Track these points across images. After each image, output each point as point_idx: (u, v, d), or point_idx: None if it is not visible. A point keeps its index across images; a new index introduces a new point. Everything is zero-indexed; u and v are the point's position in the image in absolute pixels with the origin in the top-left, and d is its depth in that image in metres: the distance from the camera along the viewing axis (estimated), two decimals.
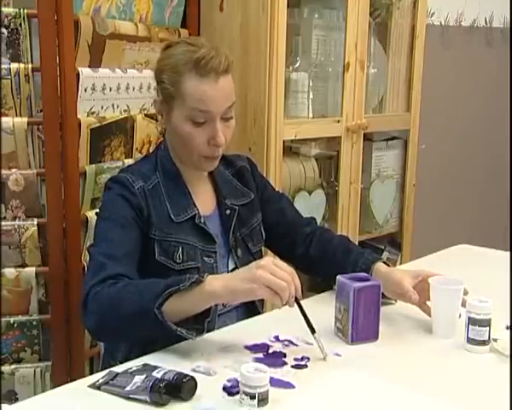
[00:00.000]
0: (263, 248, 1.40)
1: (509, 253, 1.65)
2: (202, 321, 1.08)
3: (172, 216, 1.23)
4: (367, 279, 1.17)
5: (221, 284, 1.05)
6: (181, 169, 1.28)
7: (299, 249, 1.40)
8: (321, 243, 1.38)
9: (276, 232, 1.42)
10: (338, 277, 1.19)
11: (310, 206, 2.04)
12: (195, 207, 1.26)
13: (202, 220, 1.26)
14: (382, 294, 1.19)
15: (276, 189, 1.56)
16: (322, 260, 1.37)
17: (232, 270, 1.29)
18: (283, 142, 1.89)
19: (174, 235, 1.22)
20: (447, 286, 1.18)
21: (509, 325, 1.19)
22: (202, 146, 1.22)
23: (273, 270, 1.03)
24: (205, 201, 1.30)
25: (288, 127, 1.90)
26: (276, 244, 1.45)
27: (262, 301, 1.39)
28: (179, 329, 1.04)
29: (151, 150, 1.51)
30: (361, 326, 1.14)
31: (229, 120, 1.23)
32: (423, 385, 1.02)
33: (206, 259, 1.25)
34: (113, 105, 1.69)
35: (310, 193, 2.07)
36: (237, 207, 1.32)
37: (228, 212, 1.31)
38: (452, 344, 1.16)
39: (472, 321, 1.12)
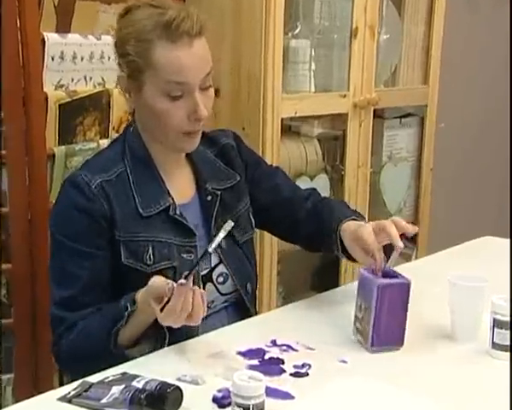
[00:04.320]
0: (253, 237, 1.40)
1: None
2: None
3: (140, 210, 1.22)
4: (395, 275, 1.16)
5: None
6: (153, 153, 1.27)
7: (301, 230, 1.40)
8: (315, 215, 1.39)
9: (274, 214, 1.42)
10: (361, 270, 1.19)
11: None
12: (170, 196, 1.25)
13: (178, 211, 1.25)
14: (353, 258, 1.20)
15: (273, 164, 1.55)
16: (315, 236, 1.38)
17: (216, 266, 1.29)
18: (281, 120, 1.88)
19: (143, 233, 1.22)
20: (469, 283, 1.19)
21: None
22: (182, 122, 1.21)
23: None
24: (182, 187, 1.30)
25: (287, 103, 1.89)
26: (277, 228, 1.46)
27: (254, 300, 1.39)
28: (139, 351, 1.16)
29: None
30: (384, 329, 1.14)
31: (207, 89, 1.22)
32: (441, 397, 1.03)
33: (184, 256, 1.25)
34: (85, 77, 1.68)
35: (312, 178, 2.06)
36: (220, 192, 1.32)
37: (209, 198, 1.31)
38: (474, 350, 1.17)
39: (497, 323, 1.13)
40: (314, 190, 1.48)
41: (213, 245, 1.11)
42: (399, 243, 1.19)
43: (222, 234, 1.11)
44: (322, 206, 1.40)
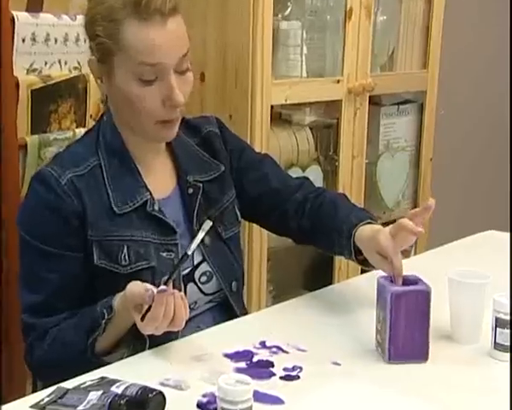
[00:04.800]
0: (239, 231, 1.40)
1: None
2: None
3: (114, 207, 1.21)
4: (415, 282, 1.15)
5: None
6: (129, 144, 1.26)
7: (291, 222, 1.40)
8: (312, 210, 1.39)
9: (262, 206, 1.42)
10: (378, 277, 1.18)
11: None
12: (147, 190, 1.24)
13: (156, 207, 1.24)
14: (369, 264, 1.21)
15: (261, 152, 1.56)
16: (312, 231, 1.38)
17: (198, 264, 1.29)
18: (271, 107, 1.88)
19: (117, 231, 1.21)
20: (470, 280, 1.19)
21: None
22: (156, 109, 1.19)
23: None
24: (161, 180, 1.29)
25: (277, 90, 1.89)
26: (265, 220, 1.46)
27: (241, 300, 1.39)
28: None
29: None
30: (402, 342, 1.12)
31: (185, 73, 1.21)
32: (439, 401, 1.03)
33: (163, 255, 1.24)
34: (59, 61, 1.67)
35: (304, 170, 2.07)
36: (202, 184, 1.31)
37: (190, 191, 1.30)
38: (476, 351, 1.18)
39: (499, 323, 1.13)
40: (306, 179, 1.48)
41: (192, 247, 1.12)
42: (418, 229, 1.18)
43: (200, 235, 1.12)
44: (320, 201, 1.39)
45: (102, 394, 0.97)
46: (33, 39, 1.59)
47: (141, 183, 1.25)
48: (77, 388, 1.02)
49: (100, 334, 1.14)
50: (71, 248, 1.20)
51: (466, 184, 3.08)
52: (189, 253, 1.13)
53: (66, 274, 1.20)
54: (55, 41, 1.64)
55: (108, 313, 1.13)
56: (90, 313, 1.16)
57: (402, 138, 2.36)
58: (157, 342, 1.17)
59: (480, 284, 1.19)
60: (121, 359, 1.15)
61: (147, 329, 1.10)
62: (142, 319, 1.09)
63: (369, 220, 1.31)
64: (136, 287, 1.11)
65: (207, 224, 1.12)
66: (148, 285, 1.10)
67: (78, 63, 1.71)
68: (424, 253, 1.84)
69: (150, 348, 1.17)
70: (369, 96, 2.13)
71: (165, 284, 1.09)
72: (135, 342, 1.17)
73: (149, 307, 1.08)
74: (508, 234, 1.80)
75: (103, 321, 1.13)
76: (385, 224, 2.46)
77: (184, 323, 1.11)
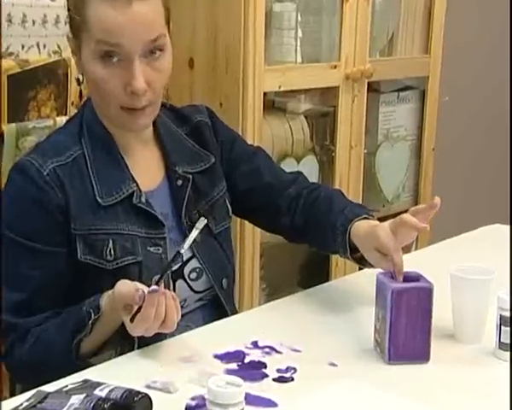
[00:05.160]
0: (230, 226, 1.40)
1: None
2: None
3: (99, 199, 1.21)
4: (416, 278, 1.15)
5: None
6: (113, 132, 1.26)
7: (284, 219, 1.40)
8: (305, 206, 1.39)
9: (254, 201, 1.42)
10: (377, 274, 1.18)
11: None
12: (133, 181, 1.24)
13: (143, 199, 1.24)
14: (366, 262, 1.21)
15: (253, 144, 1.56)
16: (306, 228, 1.38)
17: (188, 261, 1.29)
18: (264, 95, 1.88)
19: (102, 225, 1.21)
20: (473, 276, 1.19)
21: None
22: (119, 93, 1.19)
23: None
24: (148, 172, 1.29)
25: (270, 76, 1.89)
26: (257, 216, 1.46)
27: (232, 298, 1.40)
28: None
29: None
30: (402, 341, 1.12)
31: (157, 60, 1.20)
32: (443, 404, 1.04)
33: (151, 249, 1.24)
34: (38, 44, 1.66)
35: (298, 160, 2.07)
36: (191, 176, 1.32)
37: (179, 183, 1.30)
38: (480, 351, 1.18)
39: (505, 321, 1.13)
40: (300, 173, 1.48)
41: (185, 246, 1.13)
42: (422, 225, 1.19)
43: (194, 233, 1.13)
44: (315, 197, 1.39)
45: (85, 397, 0.97)
46: (9, 21, 1.59)
47: (127, 174, 1.25)
48: (58, 391, 1.01)
49: (86, 335, 1.14)
50: (54, 244, 1.20)
51: (470, 175, 3.09)
52: (182, 251, 1.13)
53: (50, 271, 1.20)
54: (33, 23, 1.64)
55: (95, 313, 1.13)
56: (75, 313, 1.16)
57: (402, 127, 2.36)
58: (146, 343, 1.17)
59: (484, 281, 1.19)
60: (109, 360, 1.15)
61: (136, 330, 1.10)
62: (132, 320, 1.08)
63: (365, 215, 1.31)
64: (125, 286, 1.11)
65: (201, 222, 1.13)
66: (139, 284, 1.10)
67: (59, 47, 1.71)
68: (426, 248, 1.83)
69: (139, 348, 1.17)
70: (368, 83, 2.13)
71: (157, 283, 1.09)
72: (123, 343, 1.17)
73: (139, 308, 1.08)
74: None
75: (90, 322, 1.13)
76: (384, 218, 2.48)
77: (176, 325, 1.12)
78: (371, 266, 1.28)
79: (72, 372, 1.08)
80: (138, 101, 1.20)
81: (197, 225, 1.13)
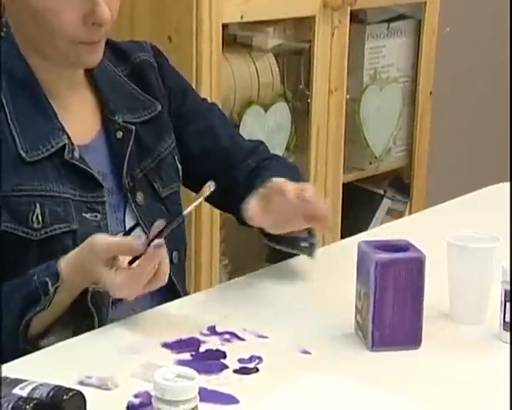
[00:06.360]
0: (179, 189, 1.41)
1: None
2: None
3: (22, 152, 1.21)
4: (405, 248, 1.16)
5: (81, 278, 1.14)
6: (38, 72, 1.26)
7: (238, 194, 1.37)
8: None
9: (206, 167, 1.42)
10: (359, 242, 1.18)
11: (266, 129, 2.04)
12: (64, 132, 1.24)
13: (76, 154, 1.24)
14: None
15: (207, 99, 1.55)
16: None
17: (132, 229, 1.29)
18: (223, 27, 1.88)
19: (26, 184, 1.20)
20: (474, 244, 1.20)
21: None
22: (75, 27, 1.20)
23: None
24: (81, 121, 1.30)
25: (231, 3, 1.89)
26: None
27: (183, 275, 1.41)
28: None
29: None
30: (389, 323, 1.13)
31: None
32: (436, 397, 1.04)
33: (87, 216, 1.25)
34: None
35: (266, 109, 2.08)
36: (134, 127, 1.32)
37: (119, 135, 1.31)
38: (481, 333, 1.19)
39: (510, 297, 1.14)
40: (261, 143, 1.50)
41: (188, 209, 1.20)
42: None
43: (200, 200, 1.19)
44: (262, 167, 1.41)
45: (2, 398, 0.96)
46: None
47: (56, 123, 1.25)
48: None
49: (41, 311, 1.12)
50: None
51: (474, 125, 3.11)
52: (185, 213, 1.20)
53: None
54: None
55: (53, 281, 1.12)
56: (20, 285, 1.15)
57: (393, 66, 2.37)
58: (105, 320, 1.19)
59: (487, 249, 1.20)
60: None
61: (124, 289, 1.12)
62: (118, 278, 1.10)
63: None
64: (105, 237, 1.14)
65: (208, 187, 1.16)
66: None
67: None
68: (420, 212, 1.86)
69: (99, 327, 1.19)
70: (351, 11, 2.13)
71: (149, 244, 1.12)
72: (79, 320, 1.17)
73: (131, 263, 1.12)
74: None
75: (50, 292, 1.12)
76: (371, 177, 2.48)
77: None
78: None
79: (12, 359, 1.07)
80: (99, 33, 1.22)
81: (203, 190, 1.16)
